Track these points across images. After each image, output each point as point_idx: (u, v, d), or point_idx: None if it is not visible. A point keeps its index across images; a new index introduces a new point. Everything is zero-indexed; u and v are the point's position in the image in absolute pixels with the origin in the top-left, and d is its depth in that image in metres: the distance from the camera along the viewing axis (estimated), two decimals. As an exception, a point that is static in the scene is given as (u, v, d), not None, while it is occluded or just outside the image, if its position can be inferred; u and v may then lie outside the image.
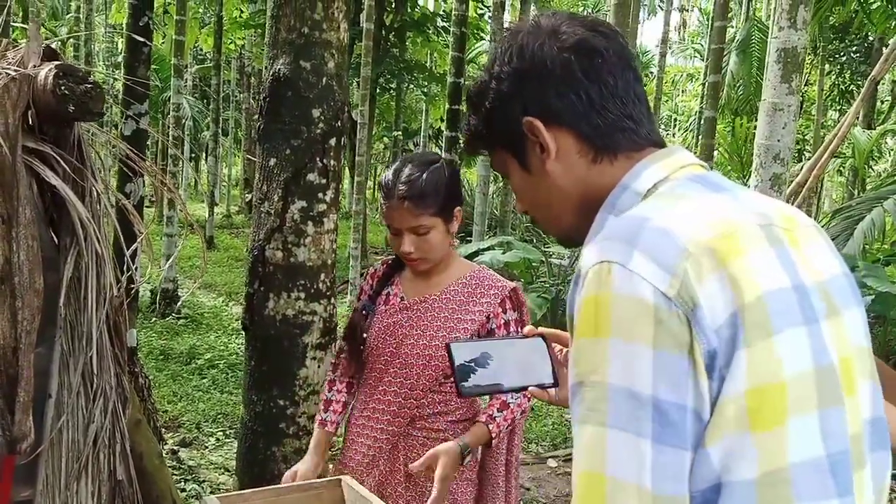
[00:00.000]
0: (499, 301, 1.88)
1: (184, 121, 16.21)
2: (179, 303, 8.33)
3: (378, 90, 14.33)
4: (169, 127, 11.17)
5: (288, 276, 2.42)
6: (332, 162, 2.43)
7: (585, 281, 0.79)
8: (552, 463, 5.29)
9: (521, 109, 0.92)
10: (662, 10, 25.36)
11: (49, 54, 1.78)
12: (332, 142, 2.42)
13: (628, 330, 0.74)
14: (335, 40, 2.35)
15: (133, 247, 2.18)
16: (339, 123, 2.42)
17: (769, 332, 0.76)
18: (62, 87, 1.60)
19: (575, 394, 0.79)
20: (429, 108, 19.76)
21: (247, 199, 21.08)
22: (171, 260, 8.36)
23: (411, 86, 16.80)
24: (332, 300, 2.49)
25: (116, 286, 1.94)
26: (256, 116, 2.55)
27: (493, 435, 1.82)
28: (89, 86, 1.64)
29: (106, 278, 1.86)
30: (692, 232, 0.78)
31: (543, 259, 9.00)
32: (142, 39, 3.37)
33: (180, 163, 14.50)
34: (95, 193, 1.86)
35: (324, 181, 2.41)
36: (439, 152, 7.49)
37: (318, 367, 2.45)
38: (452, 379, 1.11)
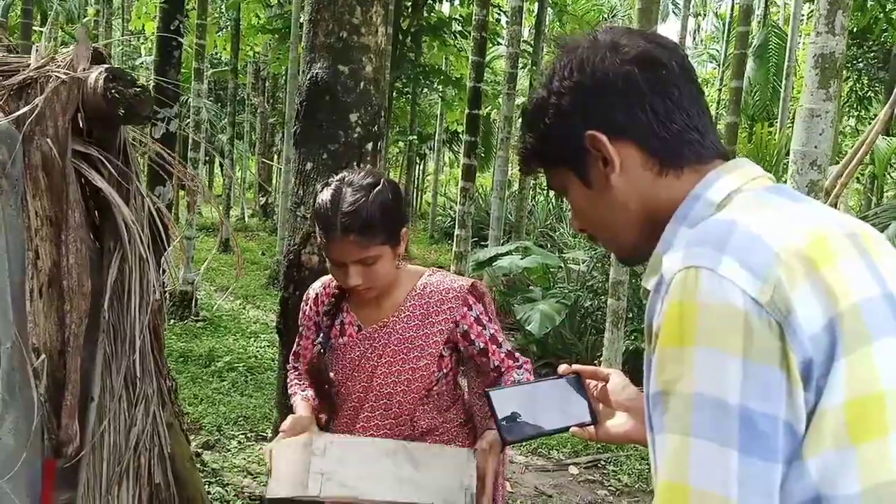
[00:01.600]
0: (461, 303, 1.77)
1: (203, 125, 16.34)
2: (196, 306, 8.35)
3: (394, 94, 14.36)
4: (188, 131, 11.24)
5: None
6: (369, 167, 2.42)
7: (670, 287, 0.76)
8: (573, 470, 5.25)
9: (583, 124, 0.90)
10: (675, 14, 25.30)
11: (96, 57, 1.78)
12: (369, 146, 2.41)
13: (716, 338, 0.72)
14: (373, 44, 2.34)
15: (168, 249, 2.18)
16: (376, 128, 2.41)
17: (867, 341, 0.74)
18: (112, 91, 1.60)
19: (657, 403, 0.77)
20: (444, 113, 19.77)
21: (261, 203, 21.16)
22: (205, 268, 8.38)
23: (426, 90, 16.82)
24: (367, 305, 2.47)
25: (158, 288, 1.93)
26: (294, 121, 2.55)
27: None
28: (138, 89, 1.64)
29: (149, 282, 1.86)
30: (783, 238, 0.76)
31: (562, 265, 8.96)
32: (174, 42, 3.37)
33: (198, 165, 14.58)
34: (139, 197, 1.86)
35: (360, 185, 2.41)
36: (453, 155, 7.48)
37: (353, 372, 2.44)
38: (495, 427, 1.12)
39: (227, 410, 5.54)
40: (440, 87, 13.67)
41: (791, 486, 0.72)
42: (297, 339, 1.94)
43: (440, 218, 21.07)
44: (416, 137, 18.13)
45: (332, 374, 1.80)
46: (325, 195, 1.66)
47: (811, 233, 0.79)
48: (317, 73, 2.35)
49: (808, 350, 0.72)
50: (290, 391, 1.98)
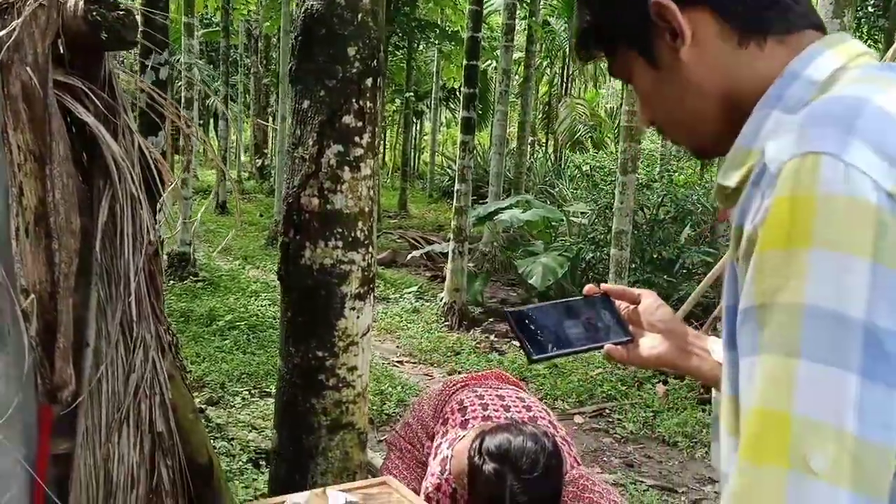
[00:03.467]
0: None
1: (196, 85, 16.02)
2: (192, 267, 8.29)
3: (390, 50, 14.09)
4: (180, 86, 11.01)
5: (324, 224, 2.32)
6: (368, 104, 2.31)
7: (779, 178, 0.63)
8: (578, 419, 5.25)
9: None
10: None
11: (75, -18, 1.66)
12: (369, 82, 2.30)
13: (840, 238, 0.60)
14: (371, -28, 2.22)
15: (164, 194, 2.09)
16: (375, 63, 2.30)
17: None
18: (94, 14, 1.49)
19: (748, 319, 0.65)
20: (440, 70, 19.46)
21: (257, 165, 20.96)
22: (203, 228, 8.29)
23: (422, 46, 16.52)
24: (371, 249, 2.39)
25: (152, 230, 1.85)
26: (289, 57, 2.44)
27: None
28: (122, 12, 1.54)
29: (142, 222, 1.77)
30: None
31: (563, 218, 8.87)
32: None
33: (193, 126, 14.35)
34: (129, 133, 1.76)
35: (360, 124, 2.30)
36: (451, 114, 7.25)
37: (357, 317, 2.37)
38: (519, 346, 1.01)
39: (230, 368, 5.52)
40: (437, 41, 13.41)
41: None
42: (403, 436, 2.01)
43: (438, 177, 20.90)
44: (412, 95, 17.87)
45: None
46: (499, 482, 1.59)
47: None
48: (311, 6, 2.23)
49: None
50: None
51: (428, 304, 8.25)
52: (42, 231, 1.53)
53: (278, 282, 2.47)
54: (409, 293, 8.67)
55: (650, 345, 1.03)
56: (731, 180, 0.74)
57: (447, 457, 1.92)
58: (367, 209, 2.36)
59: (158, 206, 2.06)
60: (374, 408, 4.87)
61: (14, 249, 1.48)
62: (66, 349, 1.57)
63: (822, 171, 0.61)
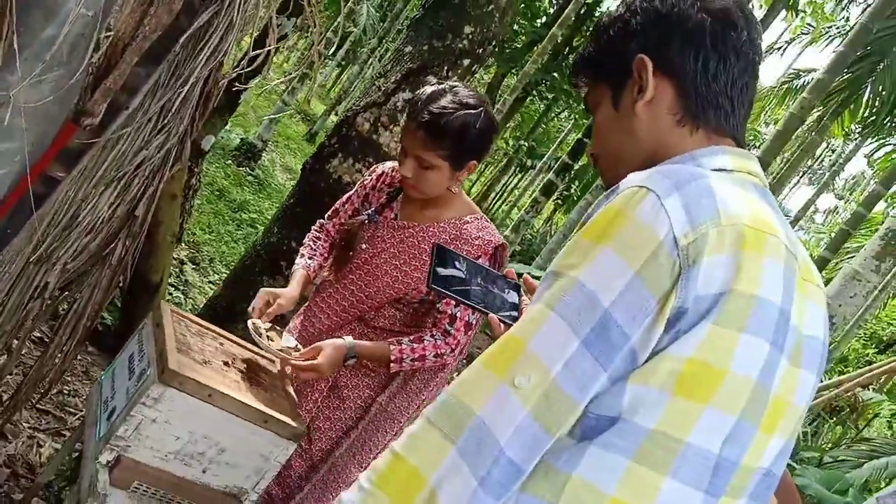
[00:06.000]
0: (481, 252, 1.81)
1: (358, 27, 16.41)
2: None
3: (529, 98, 14.48)
4: (347, 23, 11.44)
5: (362, 147, 2.56)
6: (455, 78, 2.56)
7: (618, 196, 0.81)
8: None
9: (640, 47, 0.93)
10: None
11: None
12: (467, 62, 2.55)
13: (626, 248, 0.77)
14: (519, -20, 2.48)
15: (262, 73, 2.33)
16: (481, 50, 2.55)
17: (741, 327, 0.77)
18: None
19: (546, 280, 0.82)
20: (565, 139, 19.77)
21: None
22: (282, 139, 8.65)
23: (563, 111, 16.87)
24: (385, 191, 2.62)
25: (232, 62, 2.11)
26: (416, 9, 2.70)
27: (393, 358, 1.78)
28: None
29: (229, 46, 2.03)
30: (733, 209, 0.80)
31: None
32: None
33: (321, 64, 14.79)
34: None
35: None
36: (554, 181, 7.56)
37: (341, 235, 2.59)
38: (427, 271, 1.13)
39: (226, 251, 5.80)
40: (574, 109, 13.74)
41: (603, 398, 0.77)
42: (341, 200, 2.04)
43: (502, 227, 21.11)
44: (527, 145, 18.23)
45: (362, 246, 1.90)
46: (427, 88, 1.75)
47: (759, 223, 0.81)
48: (458, -22, 2.50)
49: (688, 302, 0.76)
50: (300, 251, 2.06)
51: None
52: (148, -2, 1.80)
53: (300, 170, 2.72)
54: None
55: None
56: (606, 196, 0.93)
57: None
58: (401, 157, 2.60)
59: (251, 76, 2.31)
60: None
61: (120, -4, 1.75)
62: (107, 90, 1.82)
63: (644, 202, 0.78)
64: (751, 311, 0.77)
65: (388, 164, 2.01)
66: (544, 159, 21.31)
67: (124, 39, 1.82)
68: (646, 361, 0.77)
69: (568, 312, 0.77)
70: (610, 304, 0.76)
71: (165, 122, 2.07)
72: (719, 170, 0.88)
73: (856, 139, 14.12)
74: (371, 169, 2.03)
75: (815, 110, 6.97)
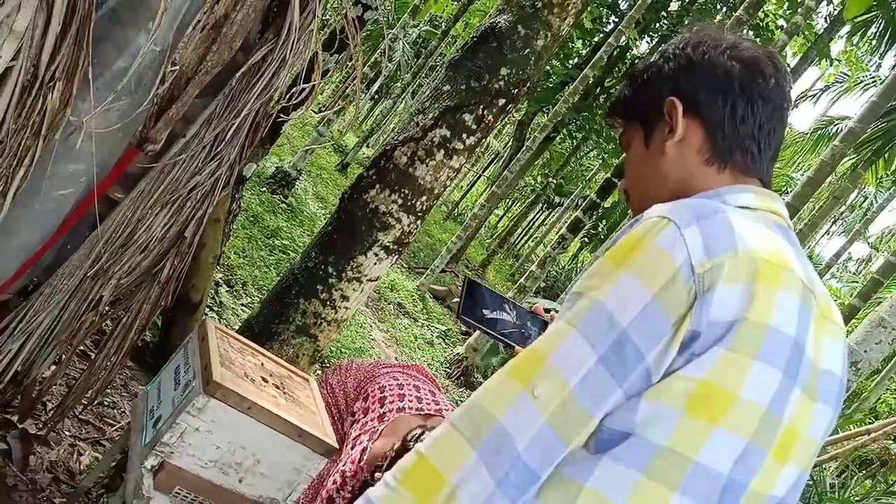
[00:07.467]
0: None
1: (393, 63, 16.81)
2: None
3: (559, 137, 14.64)
4: (382, 59, 11.80)
5: (399, 180, 2.68)
6: (490, 117, 2.67)
7: (641, 224, 0.86)
8: None
9: (671, 90, 0.99)
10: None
11: None
12: (502, 102, 2.67)
13: (645, 272, 0.82)
14: (555, 25, 2.60)
15: (303, 107, 2.46)
16: (516, 92, 2.66)
17: (753, 354, 0.81)
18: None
19: (570, 300, 0.87)
20: (594, 178, 19.86)
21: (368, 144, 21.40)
22: (316, 169, 8.85)
23: (587, 149, 16.99)
24: (418, 223, 2.73)
25: (284, 97, 2.25)
26: (457, 51, 2.83)
27: None
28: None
29: (281, 81, 2.17)
30: (751, 243, 0.84)
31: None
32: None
33: (360, 98, 15.14)
34: (311, 17, 2.18)
35: (474, 127, 2.67)
36: (581, 218, 7.65)
37: (375, 263, 2.70)
38: (458, 303, 1.18)
39: (258, 276, 5.95)
40: (604, 148, 13.84)
41: (617, 413, 0.82)
42: None
43: (527, 263, 21.14)
44: (555, 183, 18.34)
45: None
46: None
47: (776, 257, 0.85)
48: (497, 21, 2.63)
49: (702, 326, 0.80)
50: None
51: (446, 346, 8.51)
52: (213, 35, 1.94)
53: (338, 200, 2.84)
54: (438, 328, 8.95)
55: None
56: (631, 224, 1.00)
57: (366, 448, 2.03)
58: (436, 191, 2.71)
59: (295, 109, 2.44)
60: (336, 351, 5.24)
61: (187, 33, 1.89)
62: (170, 120, 1.96)
63: (664, 231, 0.83)
64: (763, 339, 0.81)
65: (348, 468, 1.91)
66: (572, 197, 21.40)
67: (188, 73, 1.96)
68: (660, 380, 0.81)
69: (588, 330, 0.82)
70: (628, 324, 0.81)
71: (218, 150, 2.20)
72: (743, 207, 0.92)
73: (890, 188, 13.99)
74: None
75: (846, 158, 6.98)
